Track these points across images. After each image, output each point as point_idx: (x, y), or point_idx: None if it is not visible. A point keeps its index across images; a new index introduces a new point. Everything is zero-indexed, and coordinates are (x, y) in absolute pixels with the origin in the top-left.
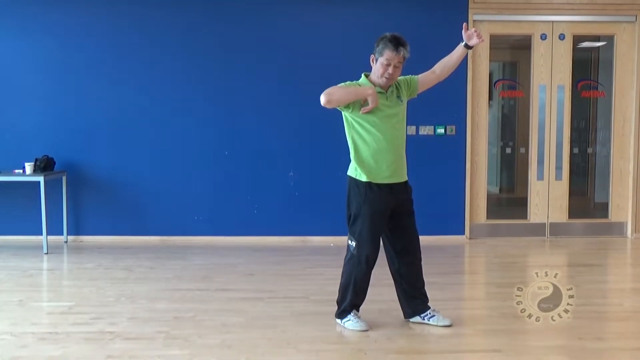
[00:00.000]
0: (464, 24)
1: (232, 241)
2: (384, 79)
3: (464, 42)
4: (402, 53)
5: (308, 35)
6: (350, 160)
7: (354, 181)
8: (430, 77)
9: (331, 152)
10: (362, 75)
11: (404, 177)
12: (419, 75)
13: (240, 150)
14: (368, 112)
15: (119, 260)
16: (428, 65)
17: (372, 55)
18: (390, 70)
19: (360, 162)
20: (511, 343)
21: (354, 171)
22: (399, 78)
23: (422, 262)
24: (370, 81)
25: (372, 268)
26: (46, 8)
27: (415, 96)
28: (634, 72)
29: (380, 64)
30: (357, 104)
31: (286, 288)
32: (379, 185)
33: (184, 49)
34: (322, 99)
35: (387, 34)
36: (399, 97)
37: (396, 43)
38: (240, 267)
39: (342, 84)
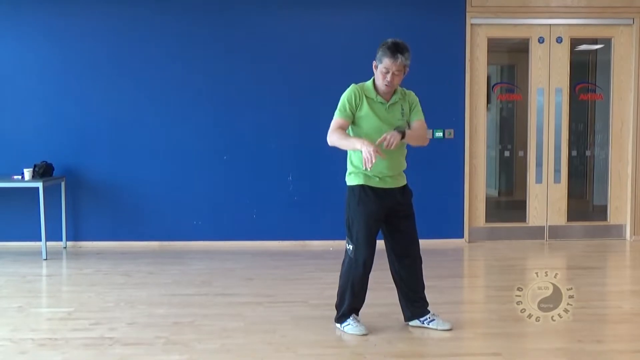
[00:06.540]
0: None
1: (232, 246)
2: (384, 87)
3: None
4: (399, 60)
5: (309, 39)
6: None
7: (350, 188)
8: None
9: (330, 157)
10: (371, 79)
11: (400, 183)
12: (417, 120)
13: (240, 154)
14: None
15: (118, 266)
16: (425, 68)
17: (374, 62)
18: (389, 77)
19: (353, 164)
20: (511, 346)
21: (349, 178)
22: (410, 98)
23: (422, 266)
24: (375, 86)
25: (370, 270)
26: (44, 11)
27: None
28: (631, 75)
29: (380, 71)
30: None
31: (285, 292)
32: (372, 189)
33: (183, 53)
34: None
35: (389, 40)
36: (402, 112)
37: (394, 50)
38: (240, 272)
39: (350, 87)
